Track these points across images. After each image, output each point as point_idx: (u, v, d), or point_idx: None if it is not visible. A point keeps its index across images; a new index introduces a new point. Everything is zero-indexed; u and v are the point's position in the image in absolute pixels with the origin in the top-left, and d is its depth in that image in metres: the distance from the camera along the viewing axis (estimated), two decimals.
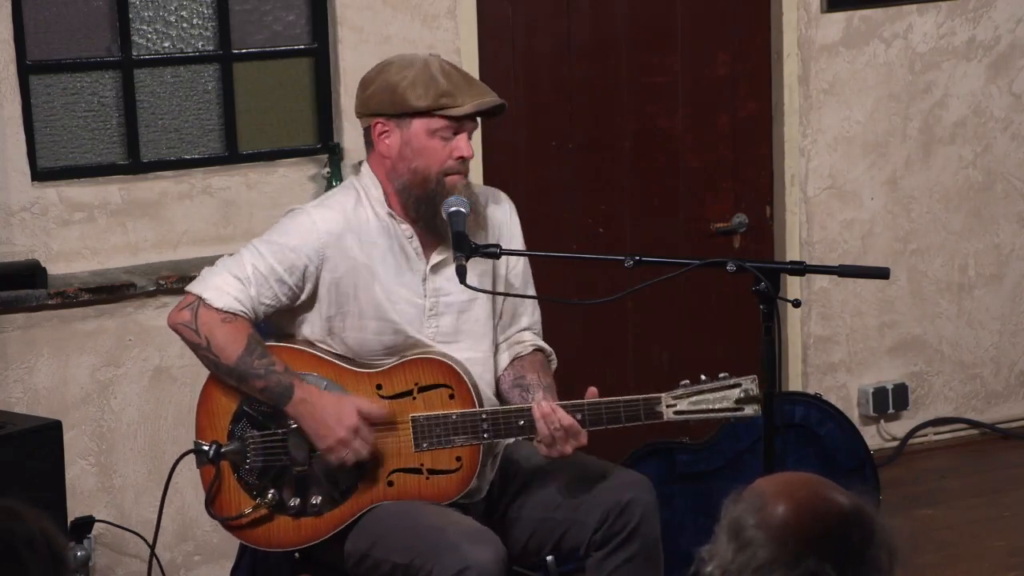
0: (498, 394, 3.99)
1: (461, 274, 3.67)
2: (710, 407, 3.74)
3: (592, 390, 3.80)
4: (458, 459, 3.82)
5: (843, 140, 5.84)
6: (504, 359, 4.01)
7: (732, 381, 3.72)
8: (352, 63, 5.15)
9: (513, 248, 3.97)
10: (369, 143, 3.90)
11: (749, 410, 3.71)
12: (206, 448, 3.87)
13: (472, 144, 3.87)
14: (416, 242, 3.88)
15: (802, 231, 5.80)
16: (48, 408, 4.86)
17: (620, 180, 5.61)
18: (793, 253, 5.74)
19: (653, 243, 5.56)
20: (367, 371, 3.85)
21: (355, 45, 5.18)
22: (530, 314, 4.08)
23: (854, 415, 5.90)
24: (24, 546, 2.17)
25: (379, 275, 3.86)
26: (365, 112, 3.88)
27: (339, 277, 3.85)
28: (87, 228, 4.99)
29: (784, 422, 4.99)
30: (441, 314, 3.90)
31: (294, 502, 3.86)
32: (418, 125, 3.81)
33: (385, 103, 3.83)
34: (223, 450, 3.87)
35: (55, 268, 4.93)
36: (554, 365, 4.06)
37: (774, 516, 2.18)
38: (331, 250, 3.83)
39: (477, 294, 3.88)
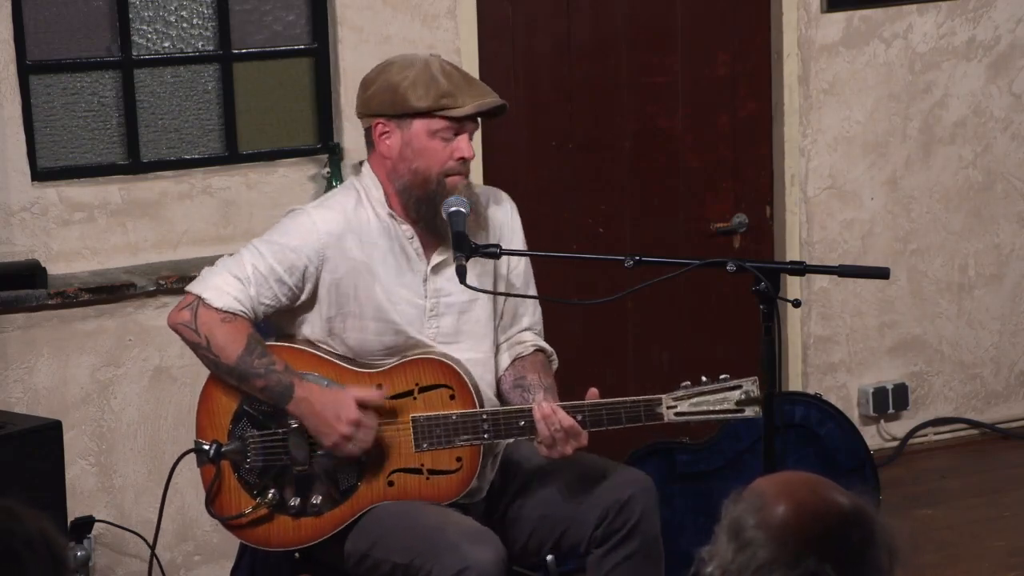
0: (499, 395, 3.99)
1: (461, 274, 3.67)
2: (711, 408, 3.74)
3: (593, 391, 3.80)
4: (458, 459, 3.82)
5: (843, 140, 5.84)
6: (505, 360, 4.01)
7: (733, 383, 3.72)
8: (352, 63, 5.15)
9: (514, 248, 3.97)
10: (370, 143, 3.90)
11: (750, 412, 3.71)
12: (206, 447, 3.87)
13: (472, 144, 3.86)
14: (417, 243, 3.88)
15: (802, 231, 5.80)
16: (48, 408, 4.86)
17: (620, 180, 5.61)
18: (793, 253, 5.74)
19: (653, 243, 5.56)
20: (368, 371, 3.85)
21: (355, 45, 5.18)
22: (531, 314, 4.08)
23: (854, 415, 5.90)
24: (23, 546, 2.17)
25: (379, 276, 3.86)
26: (366, 112, 3.88)
27: (339, 278, 3.85)
28: (87, 228, 4.99)
29: (784, 422, 4.99)
30: (442, 315, 3.90)
31: (294, 502, 3.86)
32: (419, 126, 3.81)
33: (386, 104, 3.82)
34: (223, 449, 3.87)
35: (55, 268, 4.93)
36: (555, 365, 4.06)
37: (774, 516, 2.18)
38: (331, 251, 3.83)
39: (478, 295, 3.88)
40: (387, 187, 3.88)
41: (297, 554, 3.98)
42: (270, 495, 3.87)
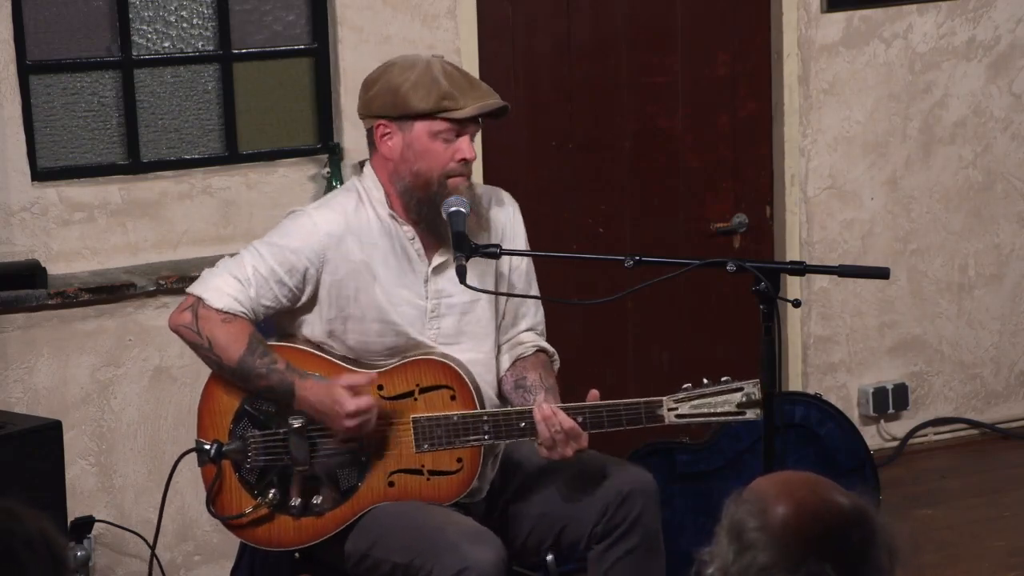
0: (500, 395, 3.99)
1: (461, 274, 3.67)
2: (712, 411, 3.74)
3: (593, 393, 3.80)
4: (459, 460, 3.82)
5: (843, 140, 5.84)
6: (506, 360, 4.01)
7: (734, 385, 3.72)
8: (352, 63, 5.15)
9: (516, 248, 3.97)
10: (372, 144, 3.90)
11: (751, 414, 3.70)
12: (207, 447, 3.87)
13: (474, 145, 3.86)
14: (418, 243, 3.88)
15: (802, 231, 5.80)
16: (48, 408, 4.85)
17: (620, 180, 5.60)
18: (793, 253, 5.74)
19: (653, 243, 5.56)
20: (368, 372, 3.85)
21: (355, 45, 5.18)
22: (533, 315, 4.07)
23: (854, 415, 5.90)
24: (23, 547, 2.17)
25: (380, 277, 3.85)
26: (367, 114, 3.88)
27: (340, 279, 3.84)
28: (87, 228, 4.99)
29: (784, 422, 4.99)
30: (443, 316, 3.90)
31: (295, 502, 3.86)
32: (420, 127, 3.81)
33: (387, 105, 3.82)
34: (225, 449, 3.87)
35: (55, 268, 4.93)
36: (557, 366, 4.06)
37: (775, 518, 2.18)
38: (332, 252, 3.83)
39: (480, 295, 3.88)
40: (388, 188, 3.88)
41: (297, 554, 3.98)
42: (271, 495, 3.87)
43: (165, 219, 5.07)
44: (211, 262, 3.94)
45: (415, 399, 3.82)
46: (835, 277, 5.52)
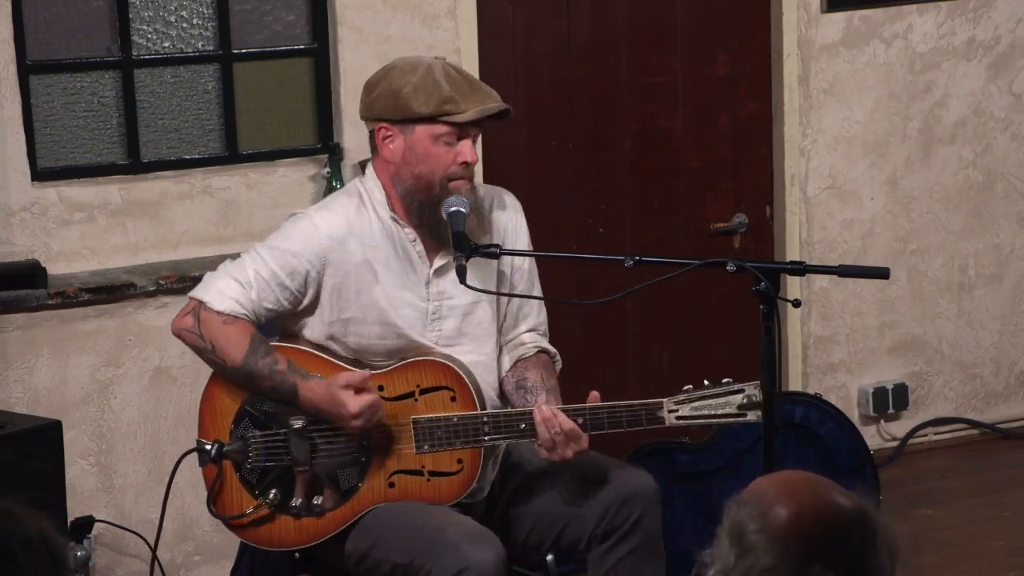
0: (501, 396, 3.99)
1: (461, 274, 3.67)
2: (712, 413, 3.73)
3: (594, 394, 3.79)
4: (459, 461, 3.82)
5: (843, 140, 5.84)
6: (507, 361, 4.01)
7: (735, 387, 3.71)
8: (352, 63, 5.15)
9: (519, 248, 3.97)
10: (374, 147, 3.90)
11: (752, 416, 3.70)
12: (208, 447, 3.87)
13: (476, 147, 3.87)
14: (419, 246, 3.88)
15: (802, 231, 5.80)
16: (48, 408, 4.85)
17: (620, 180, 5.60)
18: (793, 253, 5.74)
19: (653, 243, 5.56)
20: (369, 372, 3.85)
21: (355, 45, 5.18)
22: (535, 315, 4.07)
23: (854, 415, 5.90)
24: (22, 547, 2.17)
25: (382, 279, 3.85)
26: (369, 116, 3.88)
27: (341, 282, 3.84)
28: (87, 228, 4.99)
29: (784, 422, 4.99)
30: (444, 317, 3.90)
31: (296, 502, 3.86)
32: (421, 131, 3.80)
33: (388, 108, 3.82)
34: (225, 449, 3.87)
35: (55, 268, 4.93)
36: (559, 367, 4.06)
37: (776, 520, 2.18)
38: (333, 255, 3.83)
39: (481, 297, 3.88)
40: (390, 190, 3.88)
41: (297, 554, 3.98)
42: (271, 495, 3.87)
43: (165, 219, 5.07)
44: (211, 262, 3.95)
45: (415, 400, 3.82)
46: (835, 277, 5.52)
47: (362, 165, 3.98)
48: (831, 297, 5.91)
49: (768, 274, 3.53)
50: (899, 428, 6.07)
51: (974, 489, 5.70)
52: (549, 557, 4.05)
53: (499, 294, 3.97)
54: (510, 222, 4.00)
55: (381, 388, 3.82)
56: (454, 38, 5.27)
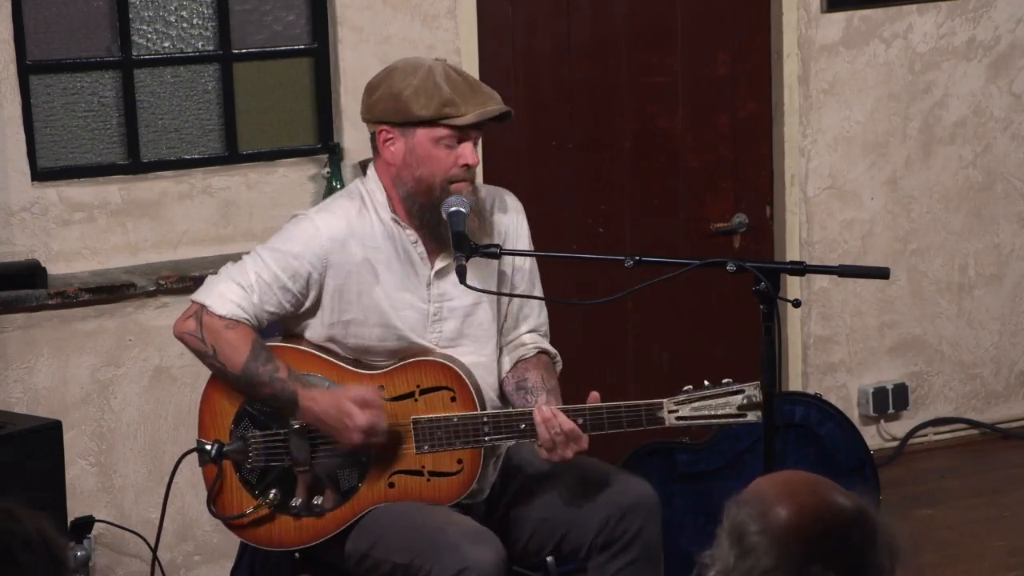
0: (502, 397, 3.98)
1: (461, 274, 3.67)
2: (712, 413, 3.73)
3: (594, 395, 3.79)
4: (459, 462, 3.82)
5: (843, 140, 5.84)
6: (507, 362, 4.01)
7: (735, 387, 3.71)
8: (352, 63, 5.15)
9: (520, 248, 3.96)
10: (375, 149, 3.90)
11: (752, 416, 3.69)
12: (208, 447, 3.87)
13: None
14: (421, 247, 3.88)
15: (802, 231, 5.80)
16: (48, 408, 4.85)
17: (620, 180, 5.60)
18: (793, 253, 5.74)
19: (653, 243, 5.56)
20: (369, 372, 3.85)
21: (355, 45, 5.18)
22: (536, 316, 4.07)
23: (854, 415, 5.90)
24: (21, 548, 2.17)
25: (383, 280, 3.85)
26: (370, 118, 3.88)
27: (342, 283, 3.84)
28: (87, 228, 4.99)
29: (784, 422, 4.99)
30: (445, 319, 3.89)
31: (296, 502, 3.86)
32: (422, 134, 3.80)
33: (389, 111, 3.82)
34: (225, 449, 3.87)
35: (55, 268, 4.93)
36: (559, 367, 4.06)
37: (776, 521, 2.18)
38: (335, 256, 3.83)
39: (482, 298, 3.88)
40: (391, 192, 3.88)
41: (297, 554, 3.98)
42: (271, 495, 3.87)
43: (165, 219, 5.07)
44: (211, 262, 3.95)
45: (415, 400, 3.82)
46: (835, 277, 5.52)
47: (362, 165, 3.99)
48: (831, 297, 5.91)
49: (768, 274, 3.52)
50: (899, 428, 6.07)
51: (974, 489, 5.70)
52: (549, 558, 4.05)
53: (499, 294, 3.97)
54: (511, 223, 4.00)
55: (381, 388, 3.82)
56: (454, 38, 5.27)
